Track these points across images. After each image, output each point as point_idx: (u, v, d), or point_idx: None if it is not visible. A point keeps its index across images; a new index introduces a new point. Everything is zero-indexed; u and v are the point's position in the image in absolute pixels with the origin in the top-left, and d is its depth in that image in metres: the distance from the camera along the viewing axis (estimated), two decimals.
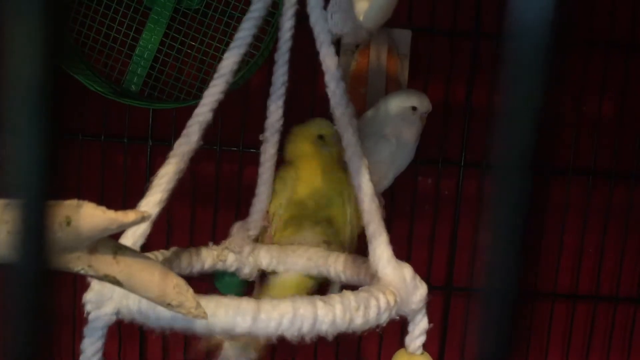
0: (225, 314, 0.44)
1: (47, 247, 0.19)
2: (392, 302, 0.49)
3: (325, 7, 0.54)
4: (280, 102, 0.63)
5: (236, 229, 0.65)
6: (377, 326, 0.49)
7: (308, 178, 0.67)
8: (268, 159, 0.64)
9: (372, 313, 0.48)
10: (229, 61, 0.58)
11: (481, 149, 0.85)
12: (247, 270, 0.65)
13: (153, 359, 0.89)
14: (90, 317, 0.48)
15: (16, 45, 0.18)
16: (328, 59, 0.55)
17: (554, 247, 0.88)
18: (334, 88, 0.56)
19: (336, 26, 0.50)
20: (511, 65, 0.18)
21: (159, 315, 0.45)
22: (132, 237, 0.51)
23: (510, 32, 0.18)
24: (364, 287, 0.51)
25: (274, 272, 0.67)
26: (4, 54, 0.18)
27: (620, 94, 0.87)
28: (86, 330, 0.48)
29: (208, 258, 0.62)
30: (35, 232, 0.19)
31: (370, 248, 0.53)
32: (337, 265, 0.62)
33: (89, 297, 0.48)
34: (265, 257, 0.66)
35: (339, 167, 0.67)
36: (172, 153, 0.55)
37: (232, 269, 0.64)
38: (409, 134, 0.72)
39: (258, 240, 0.68)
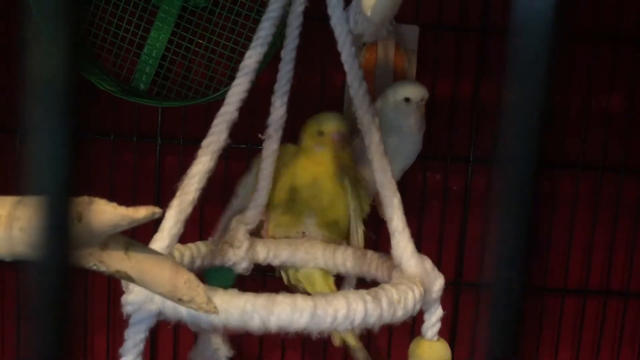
0: (283, 311, 0.45)
1: (68, 244, 0.19)
2: (422, 293, 0.51)
3: (344, 8, 0.55)
4: (285, 99, 0.63)
5: (235, 223, 0.66)
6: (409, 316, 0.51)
7: (311, 166, 0.68)
8: (270, 154, 0.65)
9: (410, 304, 0.50)
10: (251, 60, 0.58)
11: (489, 145, 0.85)
12: (245, 265, 0.65)
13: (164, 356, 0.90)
14: (132, 319, 0.47)
15: (38, 44, 0.19)
16: (350, 60, 0.56)
17: (564, 242, 0.88)
18: (357, 87, 0.56)
19: (359, 26, 0.50)
20: (515, 60, 0.19)
21: (209, 315, 0.43)
22: (169, 237, 0.51)
23: (515, 28, 0.18)
24: (399, 280, 0.52)
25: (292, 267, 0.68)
26: (26, 54, 0.19)
27: (630, 89, 0.86)
28: (127, 333, 0.48)
29: (208, 253, 0.62)
30: (58, 229, 0.19)
31: (394, 242, 0.55)
32: (336, 257, 0.64)
33: (130, 298, 0.47)
34: (261, 252, 0.66)
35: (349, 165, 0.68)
36: (200, 152, 0.56)
37: (230, 263, 0.64)
38: (409, 126, 0.73)
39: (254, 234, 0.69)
